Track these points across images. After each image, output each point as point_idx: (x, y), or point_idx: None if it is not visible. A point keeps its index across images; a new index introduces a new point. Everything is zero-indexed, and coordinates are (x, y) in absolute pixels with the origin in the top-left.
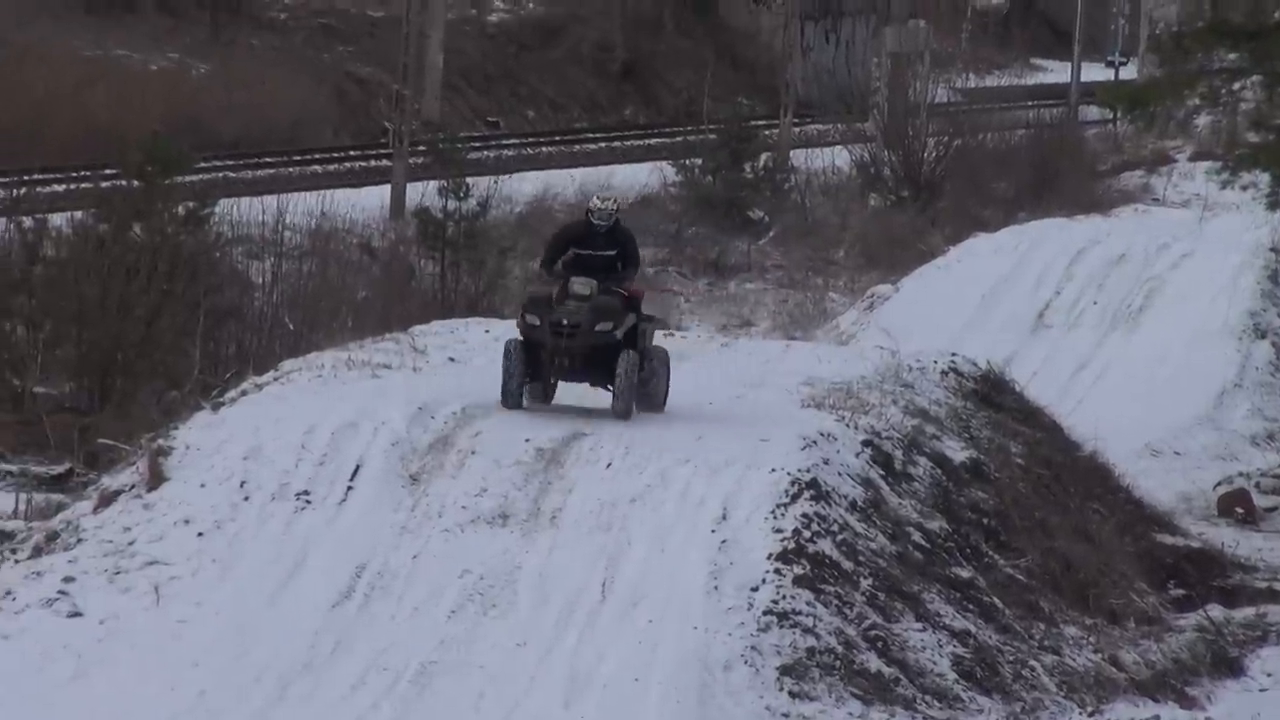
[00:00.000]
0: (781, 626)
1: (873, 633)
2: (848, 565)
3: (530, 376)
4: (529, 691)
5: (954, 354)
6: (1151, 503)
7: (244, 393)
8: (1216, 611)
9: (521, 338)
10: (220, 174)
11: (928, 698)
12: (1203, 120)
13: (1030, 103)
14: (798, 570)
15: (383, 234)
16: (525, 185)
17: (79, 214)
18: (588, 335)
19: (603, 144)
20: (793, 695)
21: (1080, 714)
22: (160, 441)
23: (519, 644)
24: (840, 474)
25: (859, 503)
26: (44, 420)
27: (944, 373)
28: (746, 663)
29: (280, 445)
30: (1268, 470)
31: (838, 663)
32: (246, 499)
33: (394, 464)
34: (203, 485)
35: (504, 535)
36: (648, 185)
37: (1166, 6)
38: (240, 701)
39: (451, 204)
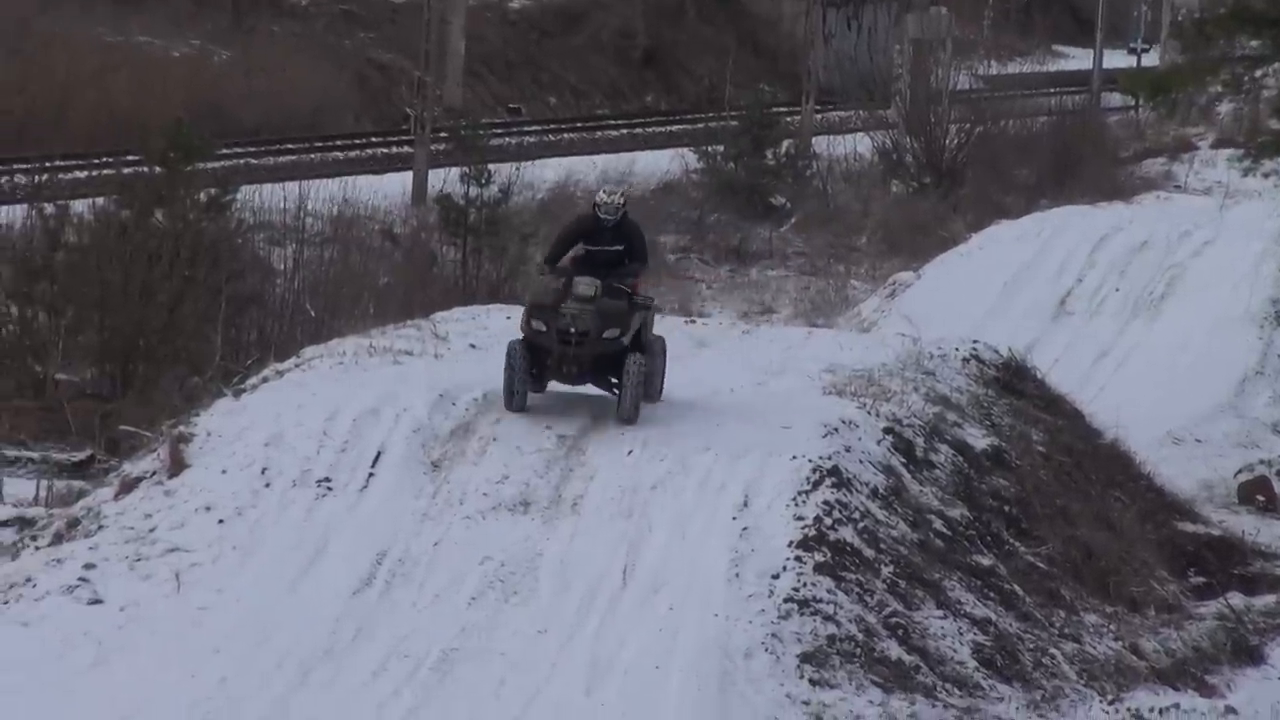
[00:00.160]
0: (802, 614)
1: (893, 620)
2: (869, 553)
3: (535, 378)
4: (550, 678)
5: (975, 341)
6: (1172, 490)
7: (265, 379)
8: (1237, 599)
9: (524, 338)
10: (242, 160)
11: (948, 685)
12: (1225, 107)
13: (1052, 90)
14: (819, 557)
15: (404, 220)
16: (547, 172)
17: (101, 200)
18: (596, 343)
19: (624, 130)
20: (813, 683)
21: (1100, 702)
22: (181, 428)
23: (540, 631)
24: (861, 461)
25: (880, 490)
26: (65, 407)
27: (965, 360)
28: (767, 650)
29: (302, 432)
30: None
31: (858, 650)
32: (268, 486)
33: (415, 451)
34: (224, 472)
35: (525, 522)
36: (669, 172)
37: None
38: (261, 688)
39: (473, 190)
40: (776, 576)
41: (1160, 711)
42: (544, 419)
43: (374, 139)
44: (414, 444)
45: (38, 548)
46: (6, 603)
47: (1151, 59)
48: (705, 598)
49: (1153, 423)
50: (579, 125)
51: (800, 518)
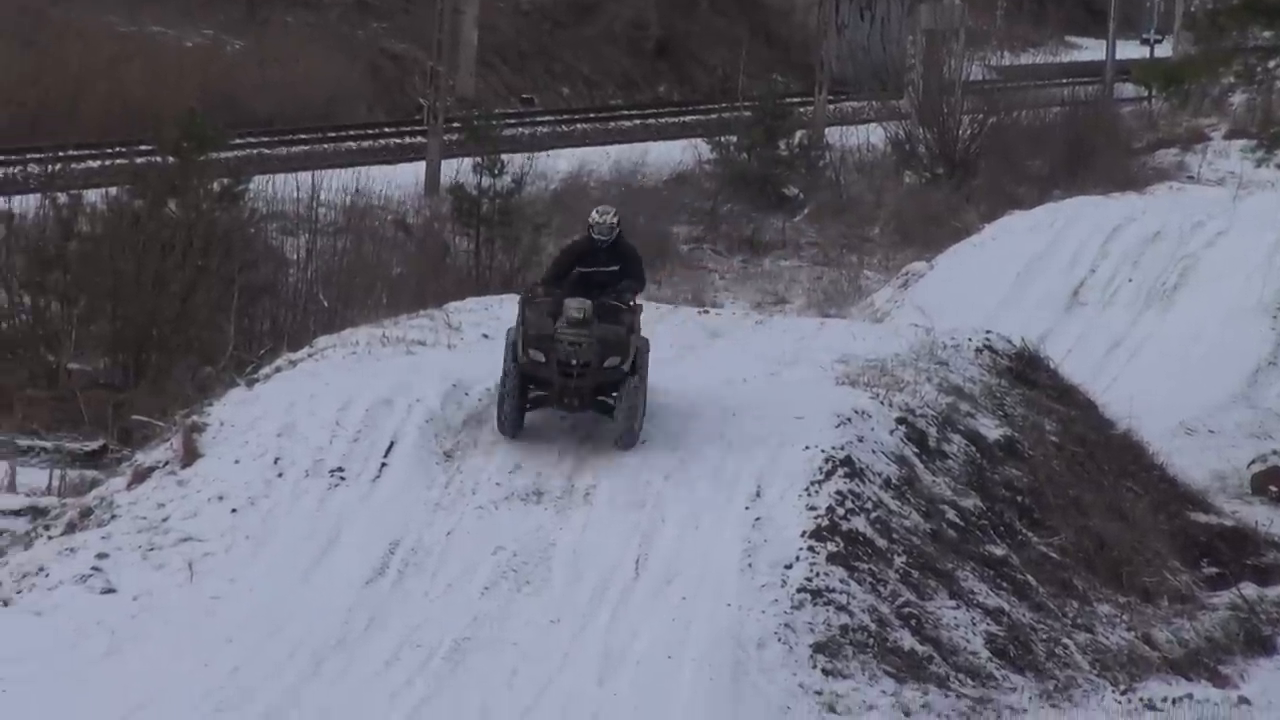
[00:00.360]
0: (815, 604)
1: (906, 610)
2: (881, 543)
3: (532, 405)
4: (562, 668)
5: (988, 331)
6: (1185, 481)
7: (278, 369)
8: (1250, 590)
9: (515, 363)
10: (255, 150)
11: (961, 675)
12: (1238, 98)
13: (1065, 80)
14: (831, 547)
15: (417, 211)
16: (560, 162)
17: (114, 190)
18: (597, 373)
19: (637, 121)
20: (826, 673)
21: (1113, 692)
22: (194, 418)
23: (552, 621)
24: (874, 451)
25: (893, 480)
26: (78, 396)
27: (978, 350)
28: (780, 640)
29: (314, 422)
30: None
31: (871, 640)
32: (280, 475)
33: (428, 441)
34: (237, 461)
35: (538, 512)
36: (682, 163)
37: None
38: (274, 678)
39: (486, 181)
40: (789, 566)
41: (1173, 701)
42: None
43: (387, 129)
44: (427, 434)
45: (51, 537)
46: (20, 592)
47: (1164, 50)
48: (718, 588)
49: (1165, 413)
50: (592, 116)
51: (813, 508)
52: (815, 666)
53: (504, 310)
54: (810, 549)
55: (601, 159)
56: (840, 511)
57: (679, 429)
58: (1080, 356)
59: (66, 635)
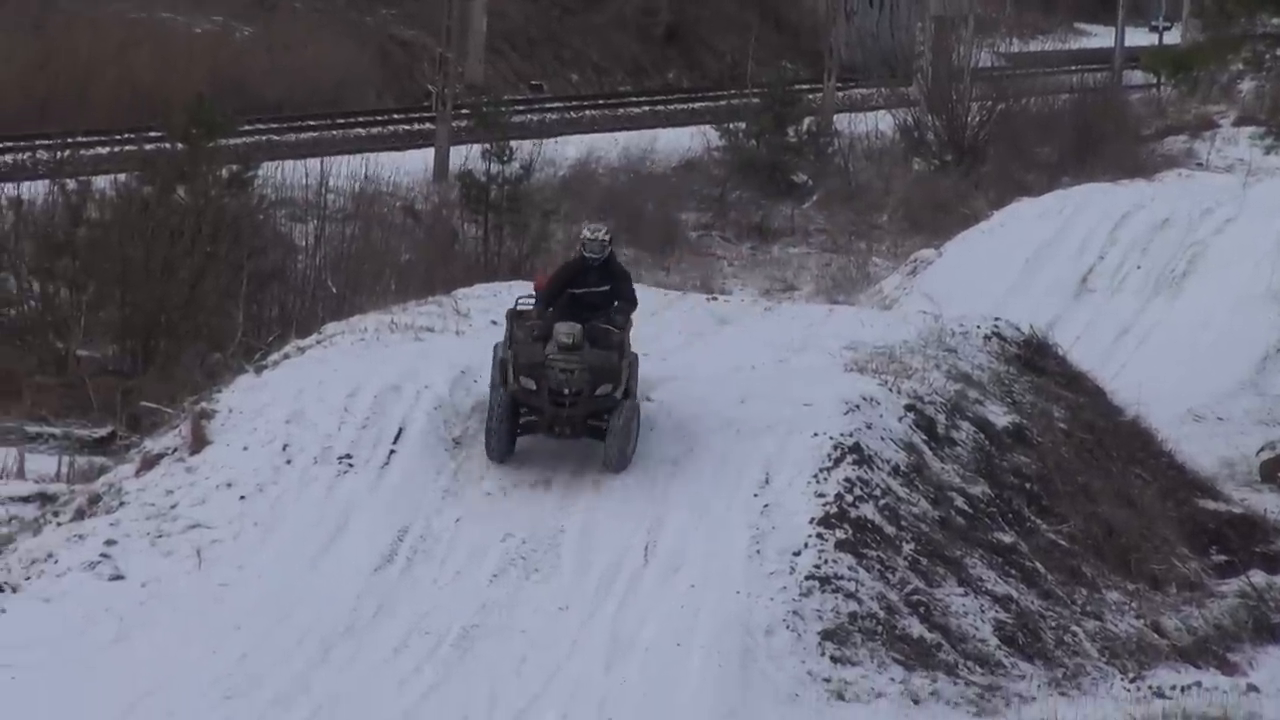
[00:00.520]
0: (823, 591)
1: (915, 598)
2: (890, 530)
3: (522, 430)
4: (571, 655)
5: (997, 318)
6: (1194, 468)
7: (287, 355)
8: (1258, 577)
9: (504, 388)
10: (264, 137)
11: (970, 663)
12: (1246, 85)
13: (1074, 67)
14: (840, 535)
15: (426, 197)
16: (568, 149)
17: (123, 176)
18: (589, 402)
19: (646, 108)
20: (834, 660)
21: (1122, 679)
22: (203, 404)
23: (561, 608)
24: (883, 438)
25: (901, 467)
26: (87, 383)
27: (987, 337)
28: (788, 627)
29: (323, 408)
30: None
31: (880, 628)
32: (289, 462)
33: (437, 427)
34: (245, 448)
35: (546, 499)
36: (691, 149)
37: None
38: (282, 664)
39: (495, 167)
40: (798, 554)
41: (1182, 689)
42: None
43: (396, 115)
44: (435, 421)
45: (59, 524)
46: (29, 579)
47: (1173, 37)
48: (726, 575)
49: (1174, 400)
50: (601, 102)
51: (821, 495)
52: (824, 654)
53: (512, 297)
54: (819, 536)
55: (610, 146)
56: (849, 499)
57: (687, 416)
58: (1089, 343)
59: (75, 622)
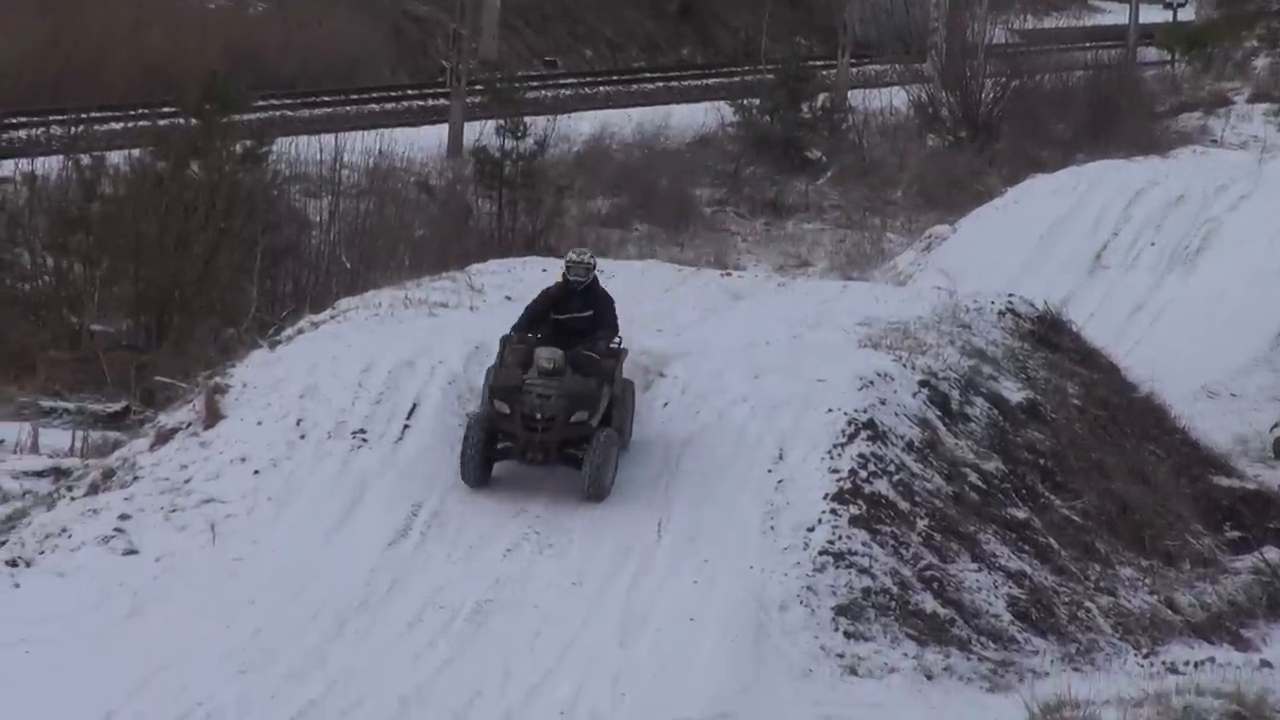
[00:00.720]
0: (837, 566)
1: (928, 573)
2: (904, 505)
3: (499, 456)
4: (584, 631)
5: (1011, 294)
6: (1208, 444)
7: (301, 331)
8: (1272, 554)
9: (486, 416)
10: (278, 112)
11: (983, 639)
12: (1261, 61)
13: (1088, 44)
14: (854, 510)
15: (440, 173)
16: (583, 124)
17: (136, 152)
18: (563, 428)
19: (660, 84)
20: (848, 635)
21: (1135, 655)
22: (217, 379)
23: (574, 583)
24: (897, 414)
25: (915, 443)
26: (101, 358)
27: (1001, 313)
28: (802, 603)
29: (337, 383)
30: None
31: (893, 603)
32: (303, 437)
33: (451, 402)
34: (259, 423)
35: (560, 474)
36: (705, 125)
37: None
38: (296, 639)
39: (509, 143)
40: (811, 529)
41: (1195, 665)
42: None
43: (410, 91)
44: (449, 396)
45: (73, 498)
46: (43, 553)
47: (1187, 14)
48: (740, 550)
49: (1188, 377)
50: (615, 78)
51: (835, 470)
52: (837, 629)
53: (527, 272)
54: (833, 512)
55: (624, 122)
56: (863, 474)
57: (701, 392)
58: (1103, 320)
59: (89, 596)
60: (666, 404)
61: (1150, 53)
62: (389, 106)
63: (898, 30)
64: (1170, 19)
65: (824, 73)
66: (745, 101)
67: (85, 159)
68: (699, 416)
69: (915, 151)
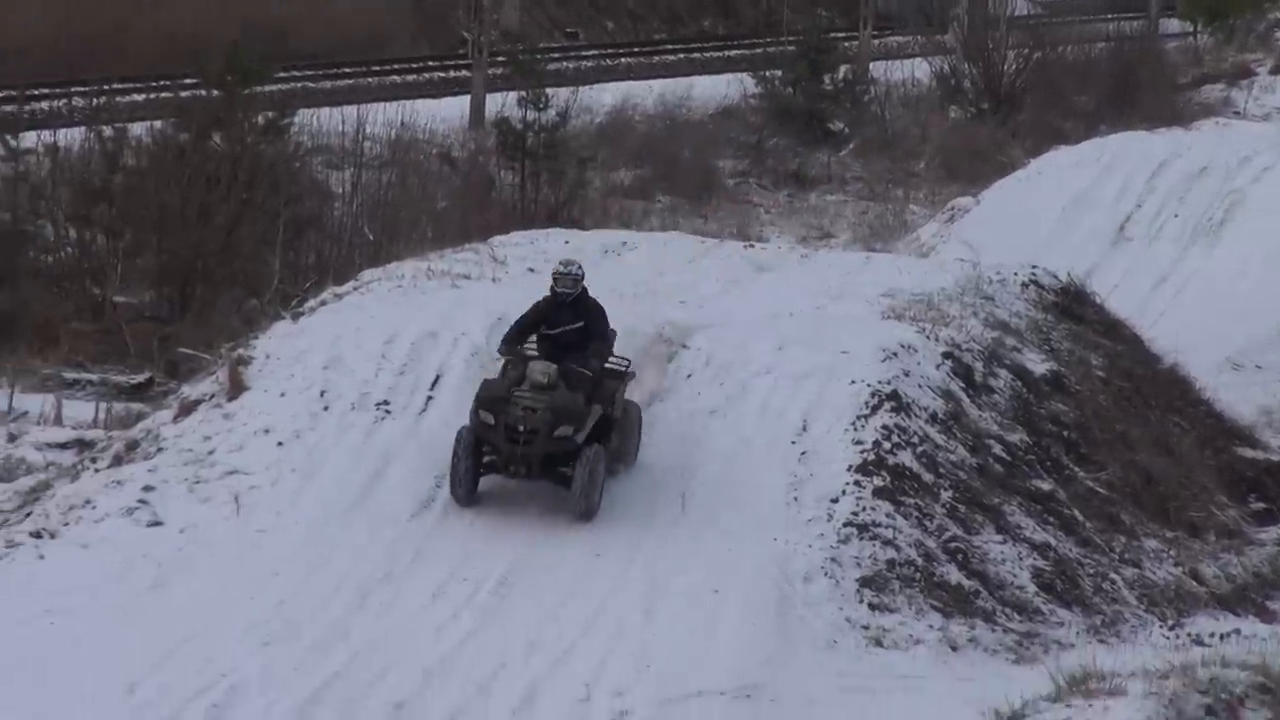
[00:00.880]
0: (861, 538)
1: (953, 545)
2: (928, 477)
3: (485, 470)
4: (608, 602)
5: (1035, 266)
6: (1232, 416)
7: (324, 302)
8: None
9: (469, 424)
10: (300, 84)
11: (1008, 610)
12: None
13: (1110, 15)
14: (878, 482)
15: (462, 144)
16: (605, 96)
17: (159, 124)
18: (545, 442)
19: (682, 55)
20: (872, 607)
21: (1160, 627)
22: (240, 351)
23: (597, 555)
24: (920, 386)
25: (939, 415)
26: (124, 329)
27: (1024, 285)
28: (826, 574)
29: (360, 355)
30: None
31: (918, 575)
32: (326, 409)
33: (474, 374)
34: (283, 395)
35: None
36: (728, 97)
37: None
38: (320, 611)
39: (531, 114)
40: (835, 501)
41: (1220, 637)
42: None
43: (431, 63)
44: (472, 367)
45: (97, 470)
46: (67, 525)
47: None
48: (763, 522)
49: (1212, 348)
50: (637, 50)
51: (859, 442)
52: (862, 601)
53: (550, 244)
54: (856, 483)
55: (646, 93)
56: (886, 446)
57: (725, 363)
58: (1126, 292)
59: (113, 568)
60: (690, 376)
61: (1172, 24)
62: (410, 78)
63: (919, 2)
64: None
65: (846, 44)
66: (767, 73)
67: (107, 130)
68: (722, 388)
69: (938, 123)
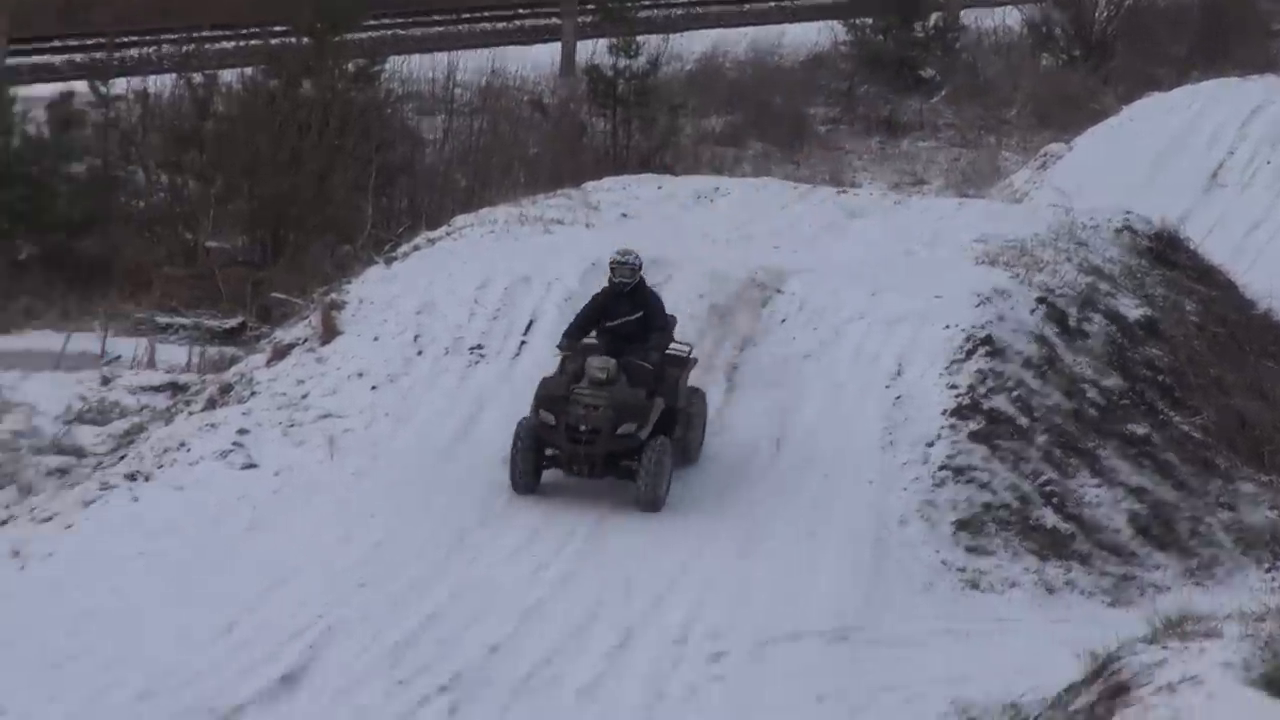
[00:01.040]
0: (957, 481)
1: (1048, 488)
2: (1023, 421)
3: (547, 465)
4: (704, 545)
5: (1128, 212)
6: None
7: (416, 247)
8: None
9: (530, 421)
10: (390, 31)
11: (1104, 553)
12: None
13: None
14: (973, 426)
15: (553, 91)
16: (695, 43)
17: (249, 70)
18: (608, 440)
19: (772, 3)
20: (969, 550)
21: (1256, 570)
22: (333, 295)
23: (694, 498)
24: (1015, 330)
25: (1033, 359)
26: (216, 274)
27: (1118, 230)
28: (922, 517)
29: (453, 299)
30: None
31: (1013, 518)
32: (420, 353)
33: (567, 319)
34: (376, 339)
35: None
36: (818, 44)
37: None
38: (415, 553)
39: (621, 61)
40: (931, 444)
41: None
42: (696, 286)
43: (522, 10)
44: (566, 312)
45: (191, 413)
46: (161, 467)
47: None
48: (859, 466)
49: None
50: None
51: (954, 386)
52: (958, 544)
53: (643, 190)
54: (951, 427)
55: (737, 40)
56: (981, 390)
57: (819, 308)
58: (1219, 238)
59: (208, 510)
60: (784, 320)
61: None
62: (501, 25)
63: None
64: None
65: None
66: (858, 21)
67: (198, 77)
68: (816, 333)
69: (1029, 70)
